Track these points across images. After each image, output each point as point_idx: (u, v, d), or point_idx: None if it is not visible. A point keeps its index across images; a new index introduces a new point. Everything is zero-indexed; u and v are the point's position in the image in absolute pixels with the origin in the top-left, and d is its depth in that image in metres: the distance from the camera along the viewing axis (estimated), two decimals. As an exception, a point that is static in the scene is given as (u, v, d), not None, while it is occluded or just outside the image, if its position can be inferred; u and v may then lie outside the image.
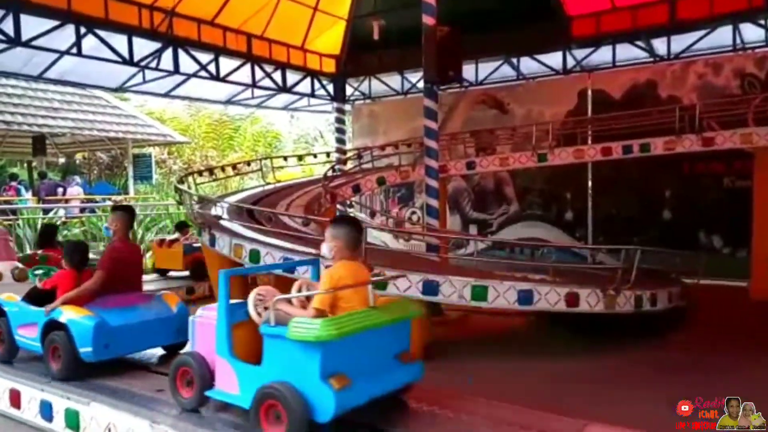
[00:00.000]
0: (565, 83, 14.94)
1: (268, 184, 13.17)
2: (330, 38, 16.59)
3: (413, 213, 17.04)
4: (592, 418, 4.48)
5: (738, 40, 12.81)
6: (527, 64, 15.53)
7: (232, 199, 10.60)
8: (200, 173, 13.09)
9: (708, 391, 5.50)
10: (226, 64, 14.25)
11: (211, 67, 13.82)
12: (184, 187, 10.33)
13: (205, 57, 13.68)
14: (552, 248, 8.92)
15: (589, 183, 14.50)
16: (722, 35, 12.90)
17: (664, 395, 5.44)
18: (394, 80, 17.65)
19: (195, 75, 13.92)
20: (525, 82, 15.69)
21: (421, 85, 11.89)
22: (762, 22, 12.40)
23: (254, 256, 7.32)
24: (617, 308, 7.13)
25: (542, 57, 15.15)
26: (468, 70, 15.00)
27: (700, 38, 13.09)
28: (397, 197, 17.68)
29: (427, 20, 9.08)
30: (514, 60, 15.55)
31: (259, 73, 15.12)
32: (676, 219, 13.40)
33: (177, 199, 12.50)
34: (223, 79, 14.34)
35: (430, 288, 6.60)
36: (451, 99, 15.80)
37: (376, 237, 10.31)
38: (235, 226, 8.25)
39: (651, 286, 7.80)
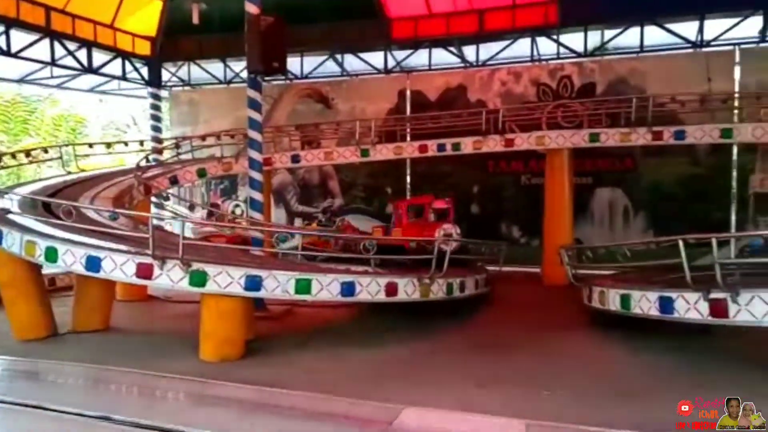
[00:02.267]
0: (386, 82, 15.55)
1: (71, 173, 11.90)
2: (144, 18, 15.44)
3: (237, 206, 16.56)
4: (409, 402, 4.74)
5: (535, 53, 14.36)
6: (351, 62, 15.92)
7: (25, 190, 9.39)
8: (-15, 160, 11.41)
9: (504, 368, 6.16)
10: (20, 38, 12.61)
11: (1, 41, 12.13)
12: (-37, 175, 8.92)
13: (-8, 28, 11.98)
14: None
15: (408, 178, 15.27)
16: (522, 47, 14.41)
17: (471, 374, 5.94)
18: (215, 68, 17.00)
19: (-22, 47, 12.13)
20: (349, 79, 16.04)
21: (244, 74, 11.56)
22: (555, 37, 14.03)
23: (51, 254, 6.55)
24: (431, 296, 7.61)
25: (365, 56, 15.65)
26: (293, 63, 14.97)
27: (504, 48, 14.47)
28: (219, 189, 17.05)
29: (251, 8, 8.83)
30: (339, 56, 15.84)
31: (60, 51, 13.60)
32: (482, 212, 14.67)
33: (-46, 189, 10.75)
34: (16, 55, 12.69)
35: (253, 283, 6.45)
36: (276, 91, 15.59)
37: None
38: (28, 221, 7.32)
39: (460, 274, 8.44)
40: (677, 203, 13.10)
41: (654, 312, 6.24)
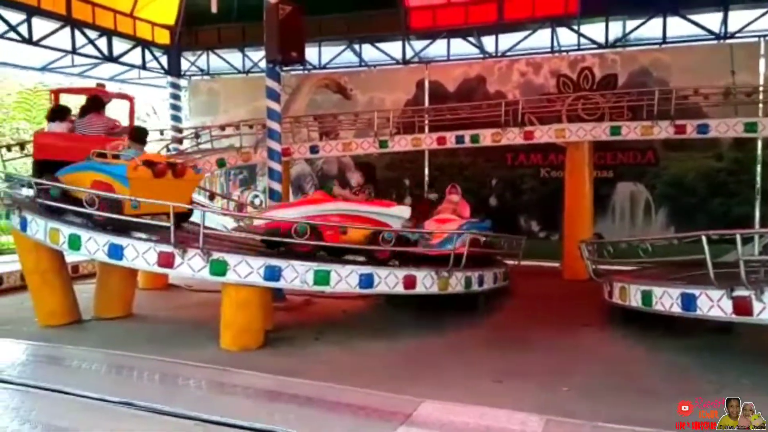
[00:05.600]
0: (404, 73, 15.47)
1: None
2: (163, 7, 15.49)
3: (255, 197, 16.62)
4: (426, 395, 4.75)
5: (555, 44, 14.18)
6: (369, 52, 15.85)
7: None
8: (9, 148, 11.52)
9: (522, 363, 6.15)
10: (41, 26, 12.72)
11: (23, 29, 12.26)
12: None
13: (15, 17, 12.11)
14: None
15: (426, 170, 15.21)
16: (542, 37, 14.22)
17: (489, 369, 5.94)
18: (234, 57, 17.03)
19: (3, 36, 12.25)
20: (367, 69, 15.99)
21: (263, 64, 11.56)
22: (575, 27, 13.84)
23: (74, 241, 6.65)
24: (450, 289, 7.60)
25: (383, 46, 15.57)
26: (311, 53, 14.94)
27: (523, 38, 14.31)
28: (238, 180, 17.14)
29: (269, -3, 8.84)
30: (357, 47, 15.79)
31: (80, 39, 13.71)
32: (500, 205, 14.56)
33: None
34: (37, 43, 12.80)
35: (272, 273, 6.49)
36: (294, 81, 15.60)
37: (215, 221, 9.86)
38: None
39: (479, 268, 8.41)
40: (700, 198, 12.89)
41: (676, 309, 6.16)
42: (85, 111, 8.61)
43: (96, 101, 8.76)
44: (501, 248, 9.88)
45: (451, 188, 10.16)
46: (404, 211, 7.98)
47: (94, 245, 6.59)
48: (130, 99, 9.85)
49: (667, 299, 6.30)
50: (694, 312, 5.94)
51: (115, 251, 6.53)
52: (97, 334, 7.24)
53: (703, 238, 5.83)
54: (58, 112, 8.70)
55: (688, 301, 5.99)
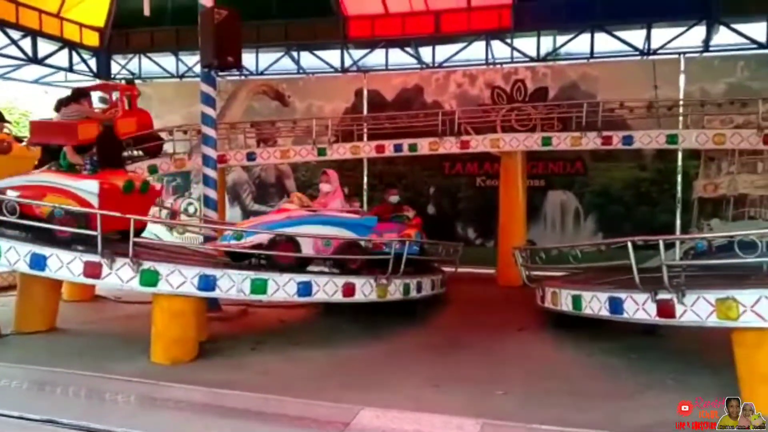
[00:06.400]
0: (343, 81, 15.49)
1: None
2: (92, 7, 14.95)
3: (190, 204, 16.18)
4: (365, 403, 4.74)
5: (490, 56, 14.57)
6: (307, 60, 15.80)
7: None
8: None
9: (460, 369, 6.23)
10: (-43, 24, 12.03)
11: (-64, 26, 11.56)
12: None
13: (-73, 13, 11.39)
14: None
15: (365, 178, 15.25)
16: (477, 50, 14.60)
17: (427, 375, 5.98)
18: (167, 61, 16.58)
19: None
20: (305, 77, 15.91)
21: (198, 68, 11.30)
22: (509, 41, 14.28)
23: (-10, 252, 6.26)
24: (389, 296, 7.62)
25: (322, 54, 15.56)
26: (248, 59, 14.76)
27: (459, 50, 14.63)
28: (171, 187, 16.62)
29: (204, 1, 8.66)
30: (295, 54, 15.70)
31: (2, 40, 13.01)
32: (438, 213, 14.78)
33: None
34: (-48, 42, 12.10)
35: (207, 283, 6.32)
36: (230, 87, 15.34)
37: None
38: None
39: (417, 275, 8.48)
40: (625, 206, 13.55)
41: (604, 312, 6.39)
42: (68, 101, 9.62)
43: (77, 92, 9.93)
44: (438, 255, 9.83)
45: (322, 175, 8.72)
46: (91, 185, 6.83)
47: (15, 255, 6.22)
48: (131, 89, 11.51)
49: (595, 303, 6.53)
50: (621, 315, 6.17)
51: (38, 261, 6.19)
52: (17, 348, 6.81)
53: (629, 244, 6.07)
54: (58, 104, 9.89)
55: (616, 305, 6.22)
